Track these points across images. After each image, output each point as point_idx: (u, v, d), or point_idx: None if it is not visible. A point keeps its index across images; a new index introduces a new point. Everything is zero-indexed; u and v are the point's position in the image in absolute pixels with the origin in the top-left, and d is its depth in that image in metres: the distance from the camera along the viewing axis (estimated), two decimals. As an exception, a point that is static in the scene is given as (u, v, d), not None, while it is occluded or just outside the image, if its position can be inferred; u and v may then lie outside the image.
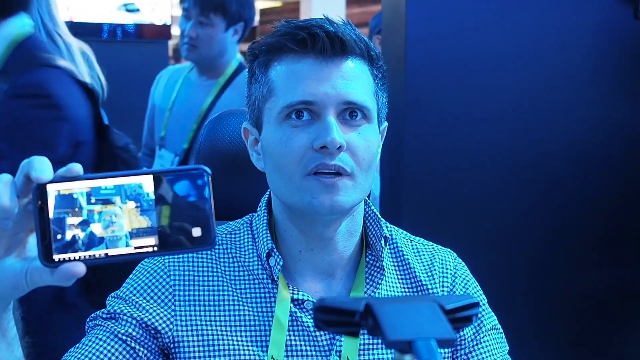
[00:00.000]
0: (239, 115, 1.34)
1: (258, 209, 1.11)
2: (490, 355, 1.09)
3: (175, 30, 3.02)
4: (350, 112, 1.01)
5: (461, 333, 1.09)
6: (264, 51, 1.05)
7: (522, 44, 1.98)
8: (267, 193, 1.12)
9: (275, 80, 1.03)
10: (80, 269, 0.68)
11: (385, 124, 1.11)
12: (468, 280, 1.14)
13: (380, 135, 1.08)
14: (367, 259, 1.09)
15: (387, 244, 1.12)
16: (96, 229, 0.68)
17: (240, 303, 1.04)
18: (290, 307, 1.04)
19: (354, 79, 1.02)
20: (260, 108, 1.05)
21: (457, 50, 1.93)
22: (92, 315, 1.04)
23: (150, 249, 0.69)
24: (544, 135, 2.01)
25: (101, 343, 0.99)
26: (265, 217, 1.08)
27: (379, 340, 1.05)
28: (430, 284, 1.11)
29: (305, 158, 0.99)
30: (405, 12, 1.88)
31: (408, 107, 1.89)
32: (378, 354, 1.06)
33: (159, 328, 1.01)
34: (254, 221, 1.11)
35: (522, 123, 1.99)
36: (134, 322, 1.01)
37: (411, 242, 1.15)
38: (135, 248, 0.69)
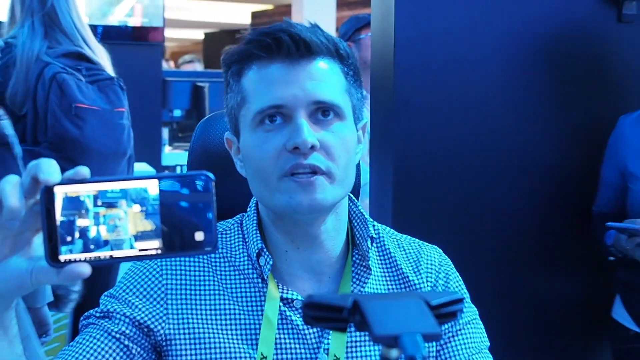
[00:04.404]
0: (231, 116, 1.34)
1: (248, 209, 1.11)
2: (466, 347, 1.09)
3: (169, 33, 3.01)
4: (322, 111, 1.01)
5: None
6: (235, 60, 1.05)
7: (507, 47, 1.99)
8: None
9: (247, 88, 1.03)
10: (86, 269, 0.68)
11: (366, 119, 1.11)
12: (450, 275, 1.14)
13: (359, 131, 1.08)
14: (354, 258, 1.09)
15: (374, 243, 1.12)
16: (102, 231, 0.68)
17: (231, 301, 1.04)
18: (280, 306, 1.04)
19: (323, 79, 1.02)
20: (236, 116, 1.05)
21: (444, 53, 1.94)
22: (86, 314, 1.04)
23: (154, 252, 0.69)
24: (527, 135, 2.02)
25: (95, 341, 0.99)
26: (254, 218, 1.08)
27: (367, 337, 1.06)
28: (417, 280, 1.11)
29: (280, 160, 0.99)
30: (394, 16, 1.89)
31: (396, 107, 1.90)
32: (365, 350, 1.06)
33: (152, 326, 1.01)
34: (244, 221, 1.11)
35: (506, 124, 2.00)
36: (127, 320, 1.01)
37: (397, 240, 1.15)
38: (140, 250, 0.69)
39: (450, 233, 1.97)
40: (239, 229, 1.11)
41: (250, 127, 1.02)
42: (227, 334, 1.02)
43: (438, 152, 1.94)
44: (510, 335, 2.05)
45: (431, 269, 1.13)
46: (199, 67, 6.62)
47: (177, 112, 5.24)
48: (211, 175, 0.70)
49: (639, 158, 1.85)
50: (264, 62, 1.02)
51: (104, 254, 0.68)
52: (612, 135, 1.92)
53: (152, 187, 0.69)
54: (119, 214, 0.68)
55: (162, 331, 1.02)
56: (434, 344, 1.09)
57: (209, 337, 1.02)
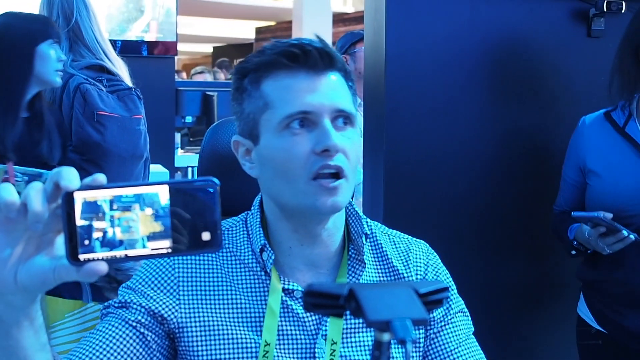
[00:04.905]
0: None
1: (252, 208, 1.11)
2: (456, 335, 1.10)
3: (181, 47, 3.01)
4: (341, 118, 1.02)
5: (432, 315, 1.09)
6: (252, 69, 1.04)
7: (487, 58, 1.99)
8: (260, 194, 1.11)
9: (270, 94, 1.02)
10: (103, 267, 0.68)
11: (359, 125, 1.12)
12: (439, 268, 1.15)
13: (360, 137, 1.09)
14: (350, 253, 1.09)
15: (368, 239, 1.12)
16: (117, 232, 0.68)
17: (237, 293, 1.04)
18: (282, 296, 1.04)
19: (339, 90, 1.03)
20: (257, 120, 1.04)
21: (430, 64, 1.94)
22: (105, 304, 1.04)
23: (164, 251, 0.69)
24: (504, 137, 2.03)
25: (113, 329, 0.99)
26: (258, 216, 1.08)
27: (362, 324, 1.06)
28: (406, 272, 1.11)
29: (308, 162, 0.99)
30: (385, 31, 1.89)
31: (387, 113, 1.90)
32: (360, 336, 1.06)
33: (165, 315, 1.01)
34: (248, 219, 1.10)
35: (485, 127, 2.00)
36: (142, 310, 1.01)
37: (388, 236, 1.15)
38: (152, 250, 0.69)
39: (436, 228, 1.97)
40: (244, 226, 1.10)
41: (276, 131, 1.01)
42: (233, 322, 1.02)
43: (425, 154, 1.95)
44: (493, 321, 2.05)
45: (420, 262, 1.13)
46: (208, 77, 6.62)
47: (189, 119, 5.25)
48: (216, 180, 0.70)
49: (597, 155, 1.78)
50: (290, 71, 1.01)
51: (119, 253, 0.68)
52: (573, 135, 1.86)
53: (163, 193, 0.69)
54: (132, 217, 0.68)
55: (174, 320, 1.02)
56: (427, 332, 1.09)
57: (218, 325, 1.02)
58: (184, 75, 8.34)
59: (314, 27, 8.68)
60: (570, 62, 2.06)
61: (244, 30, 12.58)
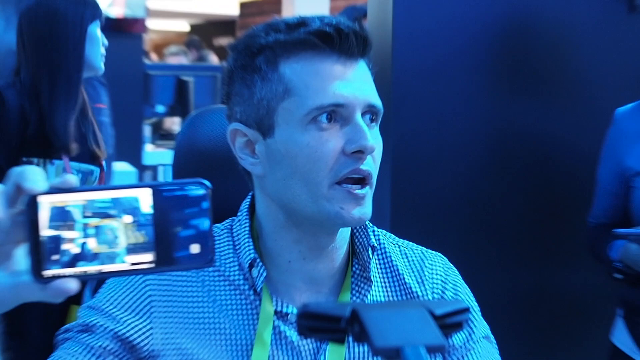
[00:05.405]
0: (218, 113, 1.33)
1: (239, 213, 1.09)
2: None
3: (151, 24, 3.01)
4: (368, 114, 1.01)
5: (450, 341, 1.09)
6: (269, 46, 1.01)
7: (512, 38, 1.99)
8: (249, 197, 1.10)
9: (293, 79, 1.00)
10: (73, 285, 0.67)
11: None
12: (459, 286, 1.14)
13: None
14: (354, 269, 1.08)
15: (376, 251, 1.11)
16: (90, 243, 0.67)
17: (221, 316, 1.03)
18: (274, 320, 1.03)
19: (369, 81, 1.02)
20: (273, 108, 1.01)
21: (445, 44, 1.94)
22: (64, 327, 1.03)
23: (146, 266, 0.69)
24: (530, 131, 2.03)
25: (74, 358, 0.98)
26: (247, 224, 1.07)
27: (367, 352, 1.05)
28: (420, 290, 1.10)
29: (337, 164, 0.98)
30: (392, 6, 1.89)
31: (394, 102, 1.91)
32: None
33: (135, 342, 1.00)
34: (234, 227, 1.09)
35: (510, 119, 2.01)
36: (109, 334, 1.00)
37: (399, 247, 1.14)
38: (131, 264, 0.68)
39: (454, 234, 1.97)
40: (229, 235, 1.09)
41: (300, 123, 0.99)
42: (216, 352, 1.02)
43: (438, 151, 1.95)
44: (514, 338, 2.05)
45: (436, 278, 1.12)
46: (184, 60, 6.62)
47: (160, 108, 5.24)
48: (207, 183, 0.70)
49: (639, 151, 1.72)
50: (320, 53, 1.00)
51: (92, 268, 0.68)
52: (608, 132, 1.81)
53: (145, 197, 0.68)
54: (108, 226, 0.68)
55: (146, 347, 1.01)
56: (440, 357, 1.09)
57: (198, 354, 1.01)
58: (154, 57, 8.34)
59: (308, 1, 8.67)
60: (606, 44, 2.07)
61: (226, 5, 12.56)
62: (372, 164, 1.00)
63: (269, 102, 1.01)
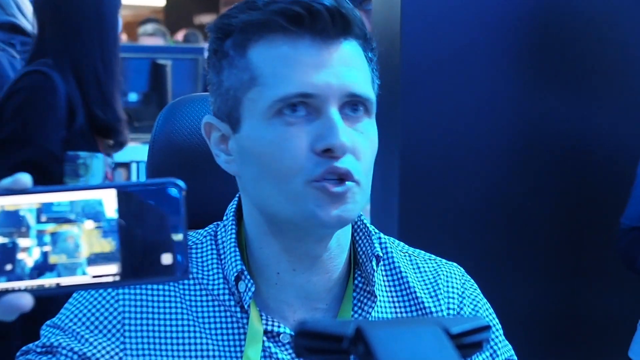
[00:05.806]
0: (200, 101, 1.33)
1: (224, 218, 1.09)
2: None
3: None
4: (353, 105, 1.00)
5: None
6: (240, 28, 1.01)
7: (534, 26, 2.00)
8: (236, 199, 1.10)
9: (259, 66, 0.99)
10: (26, 301, 0.67)
11: None
12: (478, 300, 1.14)
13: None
14: (356, 282, 1.08)
15: (381, 261, 1.11)
16: (46, 253, 0.67)
17: (203, 335, 1.03)
18: (264, 341, 1.03)
19: (355, 65, 1.00)
20: (239, 99, 1.01)
21: (464, 27, 1.95)
22: (24, 348, 1.03)
23: (110, 279, 0.69)
24: (550, 128, 2.04)
25: None
26: (233, 230, 1.06)
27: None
28: (434, 305, 1.11)
29: (308, 162, 0.97)
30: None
31: (403, 88, 1.91)
32: None
33: None
34: (219, 233, 1.09)
35: (529, 115, 2.02)
36: (74, 356, 1.00)
37: (410, 257, 1.14)
38: (93, 277, 0.68)
39: (471, 243, 1.97)
40: (213, 243, 1.09)
41: (264, 116, 0.99)
42: None
43: (453, 148, 1.96)
44: (532, 351, 2.06)
45: (452, 292, 1.12)
46: (161, 41, 6.61)
47: (133, 96, 5.23)
48: (181, 183, 0.70)
49: None
50: (289, 36, 0.99)
51: (49, 281, 0.68)
52: None
53: (109, 199, 0.68)
54: (67, 232, 0.68)
55: None
56: None
57: None
58: (124, 37, 8.34)
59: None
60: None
61: (208, -22, 12.59)
62: (352, 162, 0.98)
63: (236, 92, 1.01)
